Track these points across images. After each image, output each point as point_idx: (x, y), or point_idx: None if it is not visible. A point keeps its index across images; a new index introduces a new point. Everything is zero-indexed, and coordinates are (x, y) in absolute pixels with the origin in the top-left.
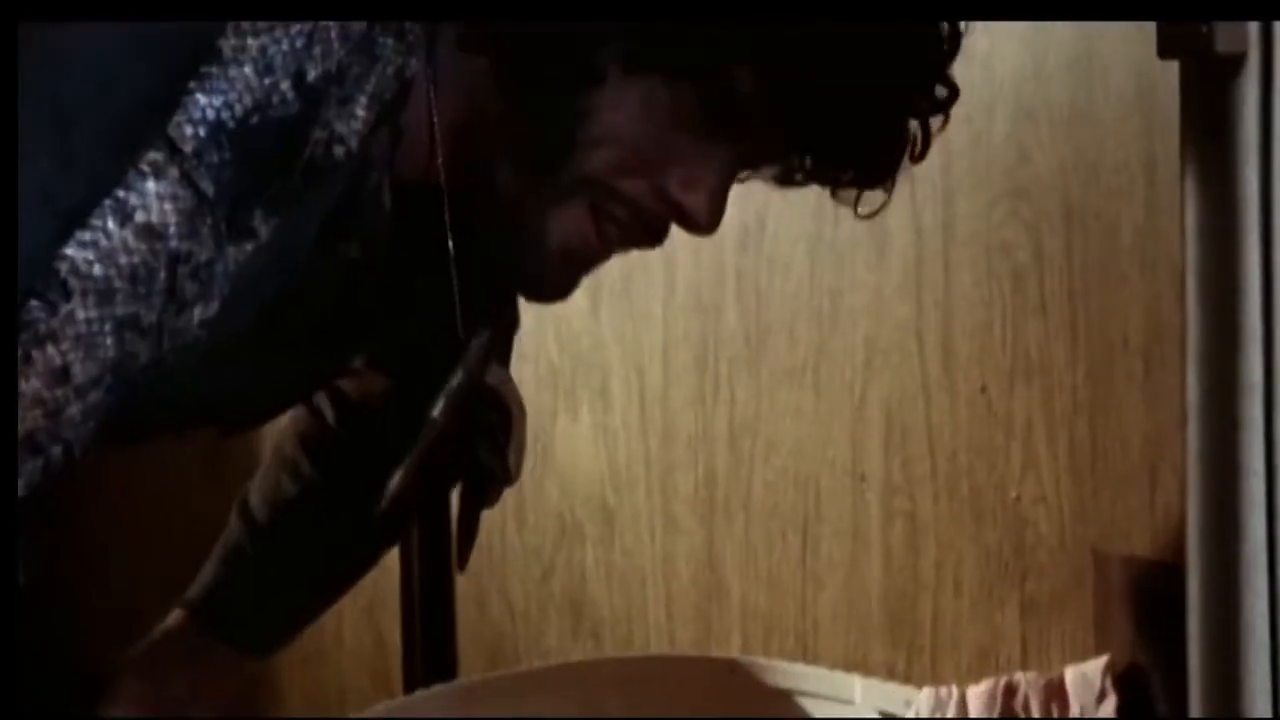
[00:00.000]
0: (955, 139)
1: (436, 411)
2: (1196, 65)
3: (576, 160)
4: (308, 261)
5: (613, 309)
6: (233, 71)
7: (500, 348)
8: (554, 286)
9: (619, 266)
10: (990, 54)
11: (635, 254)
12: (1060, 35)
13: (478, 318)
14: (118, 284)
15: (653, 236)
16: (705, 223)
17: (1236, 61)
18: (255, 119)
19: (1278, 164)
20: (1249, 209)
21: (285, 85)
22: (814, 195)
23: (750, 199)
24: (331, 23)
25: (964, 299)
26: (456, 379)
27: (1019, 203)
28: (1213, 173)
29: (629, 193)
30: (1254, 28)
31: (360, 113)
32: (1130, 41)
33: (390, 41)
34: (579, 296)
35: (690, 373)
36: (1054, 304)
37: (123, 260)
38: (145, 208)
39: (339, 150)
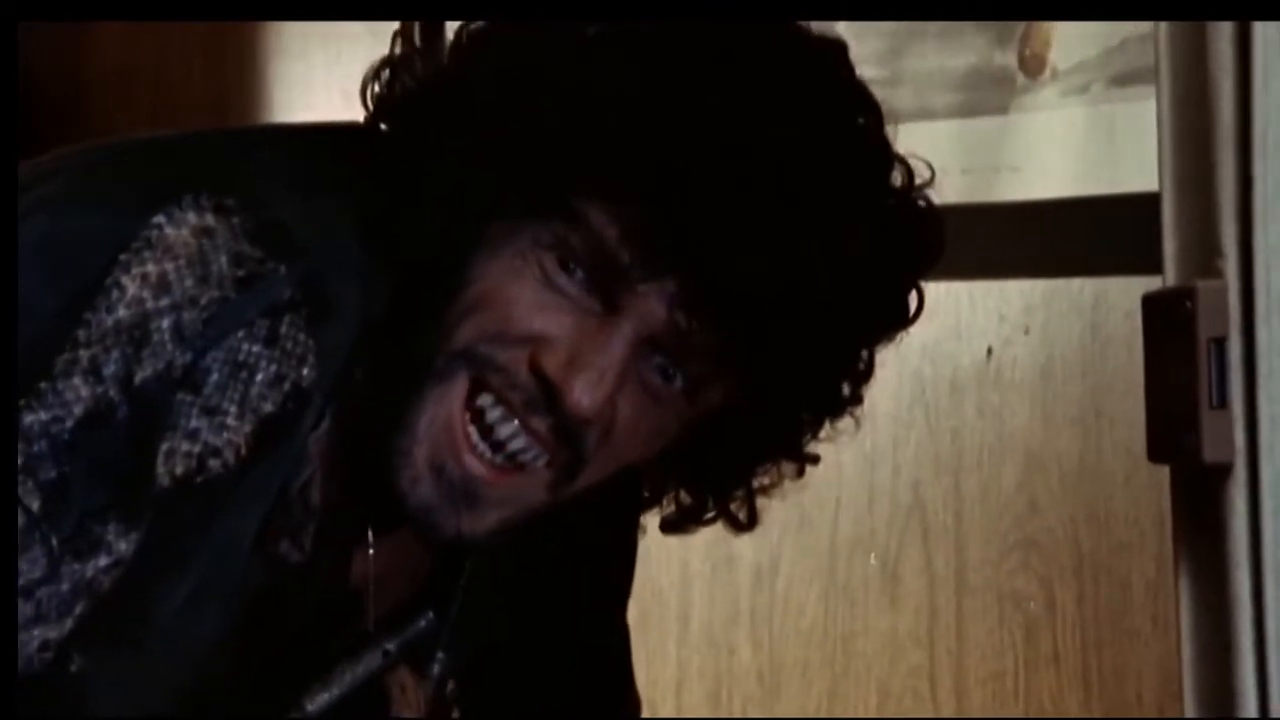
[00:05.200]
0: (966, 487)
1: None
2: (1186, 471)
3: (448, 334)
4: (249, 574)
5: None
6: (61, 384)
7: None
8: (433, 511)
9: (634, 602)
10: (1000, 406)
11: (649, 591)
12: (1069, 390)
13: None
14: None
15: (545, 439)
16: (587, 407)
17: (1224, 470)
18: (87, 430)
19: (1268, 570)
20: (1242, 613)
21: (114, 391)
22: (826, 538)
23: (765, 539)
24: (164, 321)
25: (977, 647)
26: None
27: (1030, 553)
28: (1205, 575)
29: (502, 360)
30: (1240, 437)
31: (232, 423)
32: (1137, 397)
33: (257, 348)
34: None
35: (703, 710)
36: (1067, 656)
37: None
38: None
39: (214, 463)
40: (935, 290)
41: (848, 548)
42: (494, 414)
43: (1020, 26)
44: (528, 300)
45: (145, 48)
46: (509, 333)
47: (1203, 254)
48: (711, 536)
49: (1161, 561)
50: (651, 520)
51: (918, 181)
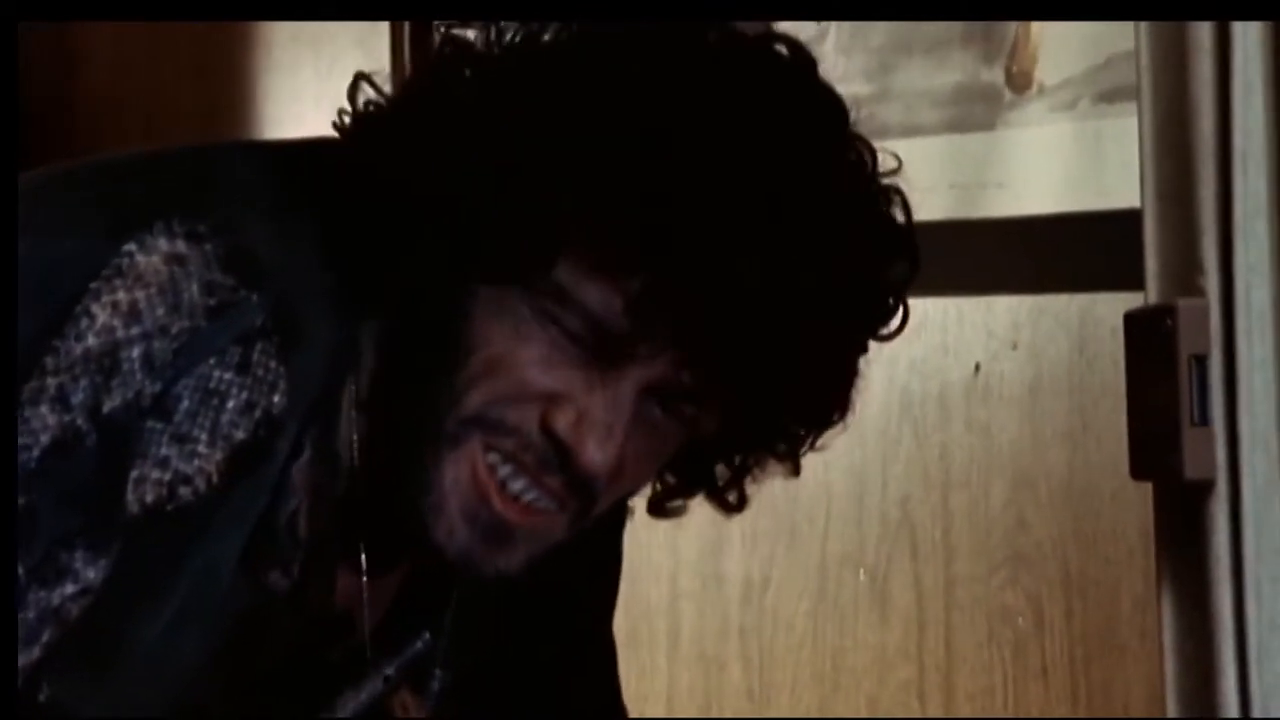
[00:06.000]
0: (954, 502)
1: None
2: (1167, 488)
3: (457, 399)
4: (232, 599)
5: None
6: (28, 412)
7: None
8: (472, 556)
9: (624, 618)
10: (988, 422)
11: (639, 606)
12: (1057, 405)
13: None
14: None
15: (557, 493)
16: (600, 464)
17: (1205, 487)
18: (55, 458)
19: (1249, 585)
20: (1224, 628)
21: (82, 420)
22: (816, 553)
23: (754, 555)
24: (134, 350)
25: (965, 662)
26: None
27: (1019, 568)
28: (1187, 591)
29: (513, 422)
30: (1221, 454)
31: (203, 450)
32: (1124, 413)
33: (229, 375)
34: None
35: None
36: (1055, 671)
37: None
38: None
39: (185, 491)
40: (923, 306)
41: (837, 563)
42: (504, 470)
43: (1008, 43)
44: (539, 361)
45: (136, 64)
46: (523, 394)
47: (1184, 271)
48: (701, 552)
49: (1149, 577)
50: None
51: (900, 186)
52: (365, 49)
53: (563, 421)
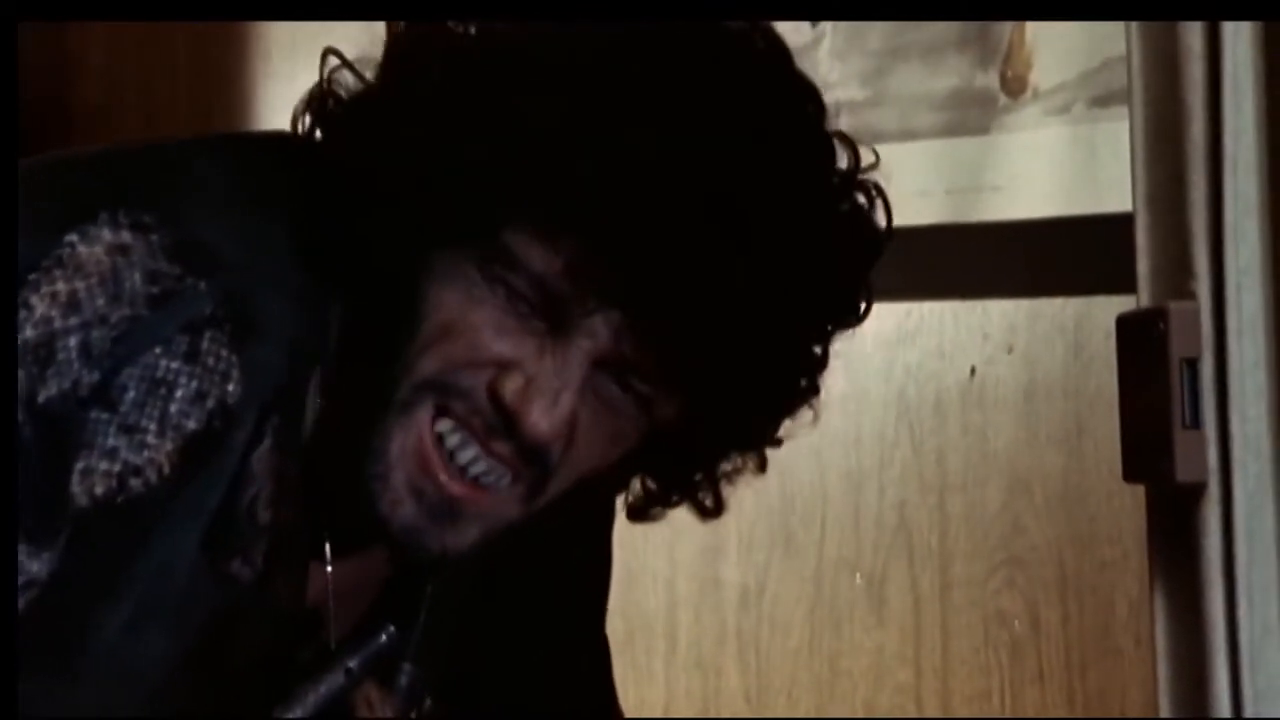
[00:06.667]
0: (951, 506)
1: None
2: (1160, 492)
3: (411, 365)
4: (196, 593)
5: (615, 667)
6: None
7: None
8: (418, 532)
9: (621, 623)
10: (984, 426)
11: (637, 612)
12: (1052, 409)
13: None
14: None
15: (508, 461)
16: (545, 431)
17: (1197, 491)
18: None
19: (1241, 589)
20: (1216, 631)
21: (19, 411)
22: (813, 558)
23: (751, 560)
24: (72, 339)
25: (962, 665)
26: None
27: (1015, 572)
28: (1180, 595)
29: (465, 385)
30: (1213, 457)
31: (152, 440)
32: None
33: (176, 364)
34: None
35: None
36: (1052, 674)
37: None
38: None
39: (136, 482)
40: (918, 310)
41: (834, 568)
42: (453, 439)
43: (1002, 47)
44: (492, 325)
45: (131, 71)
46: (476, 359)
47: (1175, 275)
48: (698, 558)
49: (1145, 580)
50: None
51: (864, 165)
52: (361, 59)
53: (510, 387)
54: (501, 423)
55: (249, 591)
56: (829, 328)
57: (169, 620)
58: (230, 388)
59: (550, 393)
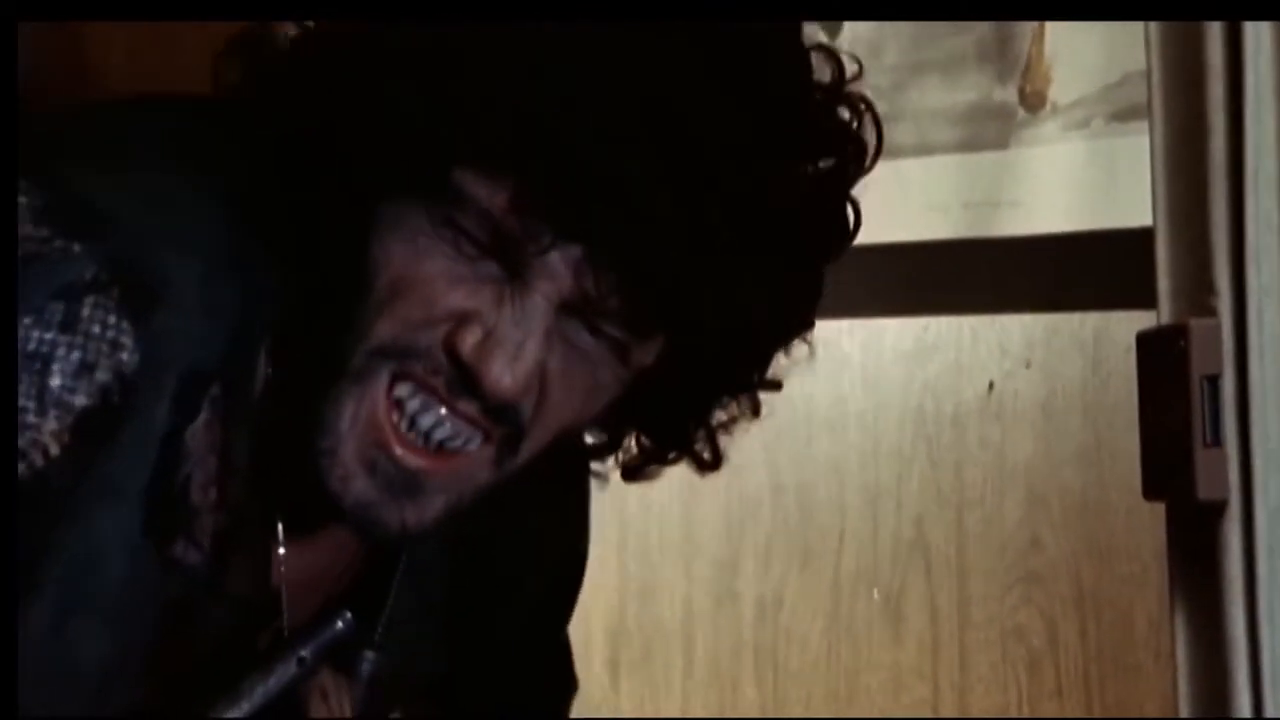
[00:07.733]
0: (968, 521)
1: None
2: (1180, 509)
3: (365, 330)
4: (142, 583)
5: (632, 680)
6: None
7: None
8: (372, 508)
9: (639, 638)
10: (1002, 441)
11: (653, 626)
12: (1070, 424)
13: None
14: None
15: (476, 421)
16: (508, 386)
17: (1218, 508)
18: None
19: (1262, 607)
20: (1237, 650)
21: None
22: (830, 573)
23: (768, 574)
24: None
25: (980, 681)
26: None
27: (1033, 587)
28: (1200, 613)
29: (423, 345)
30: (1234, 474)
31: (32, 419)
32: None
33: (50, 335)
34: (599, 667)
35: None
36: (1070, 690)
37: None
38: None
39: (20, 467)
40: (936, 325)
41: (851, 582)
42: (414, 404)
43: (1021, 62)
44: (445, 275)
45: (151, 74)
46: (431, 316)
47: (1196, 291)
48: (715, 571)
49: (1163, 596)
50: (651, 550)
51: (848, 76)
52: None
53: (469, 341)
54: (462, 380)
55: (200, 576)
56: (814, 251)
57: (106, 614)
58: (124, 357)
59: (511, 344)
